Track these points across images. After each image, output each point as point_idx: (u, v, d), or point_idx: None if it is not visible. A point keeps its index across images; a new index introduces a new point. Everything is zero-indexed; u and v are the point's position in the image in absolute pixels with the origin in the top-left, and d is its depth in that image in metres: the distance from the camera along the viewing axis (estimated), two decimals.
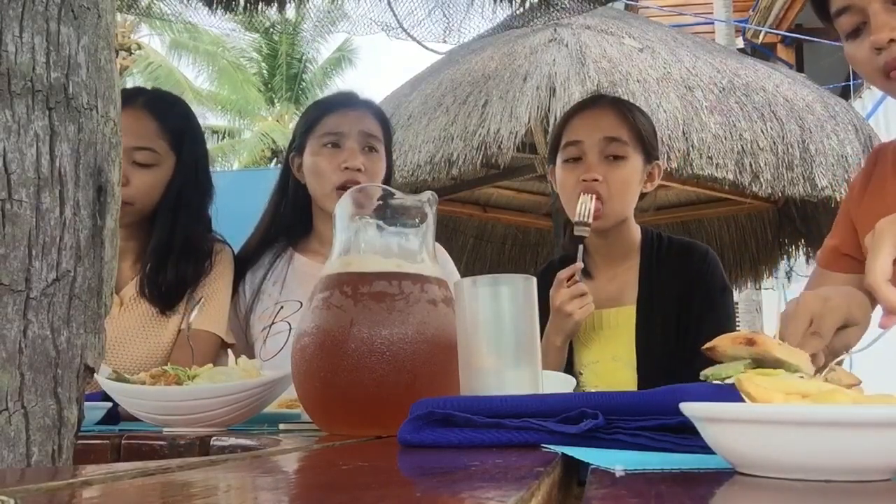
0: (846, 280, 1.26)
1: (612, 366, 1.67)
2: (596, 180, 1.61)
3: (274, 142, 16.27)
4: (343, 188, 1.67)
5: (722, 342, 0.89)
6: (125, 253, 1.67)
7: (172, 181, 1.69)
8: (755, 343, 0.84)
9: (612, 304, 1.69)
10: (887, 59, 1.08)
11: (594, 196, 1.61)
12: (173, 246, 1.66)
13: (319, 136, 1.75)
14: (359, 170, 1.70)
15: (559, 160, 1.71)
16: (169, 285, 1.65)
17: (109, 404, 1.22)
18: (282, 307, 1.73)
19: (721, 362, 0.89)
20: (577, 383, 1.68)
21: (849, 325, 1.03)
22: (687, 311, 1.63)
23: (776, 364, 0.84)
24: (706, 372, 0.89)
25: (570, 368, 1.69)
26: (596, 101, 1.76)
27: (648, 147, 1.69)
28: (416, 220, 0.98)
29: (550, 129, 3.54)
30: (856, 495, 0.45)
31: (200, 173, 1.74)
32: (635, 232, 1.74)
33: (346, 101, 1.82)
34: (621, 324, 1.67)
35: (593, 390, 1.66)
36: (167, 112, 1.71)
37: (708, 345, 0.91)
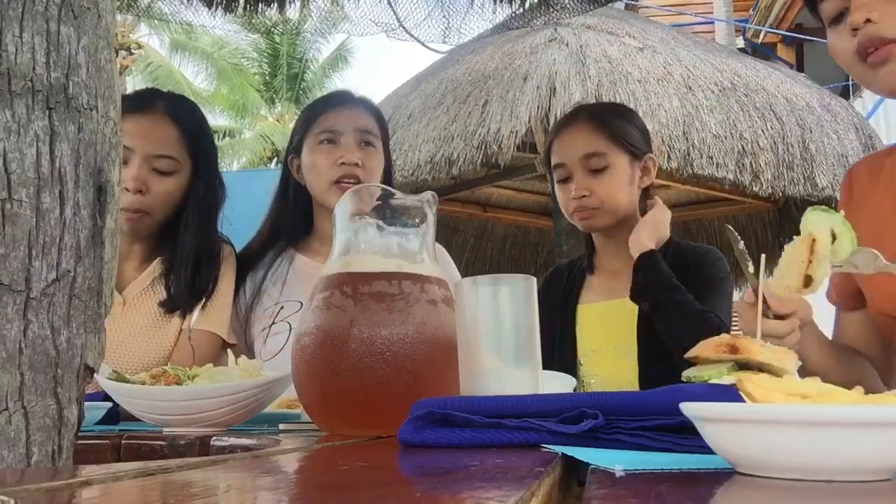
0: (858, 317, 1.31)
1: (614, 354, 1.70)
2: (584, 196, 1.71)
3: (273, 143, 16.26)
4: (340, 182, 1.68)
5: (704, 351, 0.89)
6: (131, 254, 1.67)
7: (192, 188, 1.68)
8: (738, 350, 0.84)
9: (617, 295, 1.73)
10: (861, 39, 1.05)
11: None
12: (201, 253, 1.66)
13: (316, 135, 1.75)
14: (356, 164, 1.70)
15: (555, 179, 1.81)
16: (199, 292, 1.65)
17: (109, 404, 1.22)
18: (282, 307, 1.73)
19: None
20: (578, 371, 1.70)
21: None
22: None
23: (760, 367, 0.84)
24: (687, 373, 0.89)
25: (571, 356, 1.72)
26: (573, 119, 1.81)
27: (632, 146, 1.74)
28: (416, 220, 0.98)
29: (551, 129, 3.55)
30: (856, 495, 0.45)
31: (215, 178, 1.74)
32: None
33: (341, 100, 1.82)
34: (624, 314, 1.70)
35: (593, 380, 1.69)
36: (186, 118, 1.70)
37: (690, 353, 0.91)
